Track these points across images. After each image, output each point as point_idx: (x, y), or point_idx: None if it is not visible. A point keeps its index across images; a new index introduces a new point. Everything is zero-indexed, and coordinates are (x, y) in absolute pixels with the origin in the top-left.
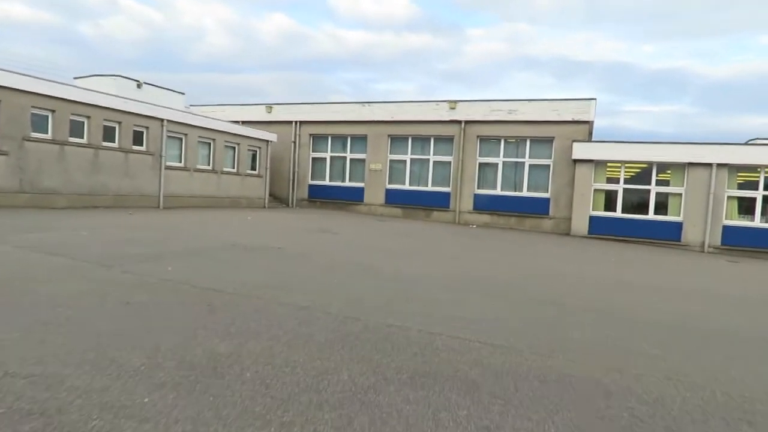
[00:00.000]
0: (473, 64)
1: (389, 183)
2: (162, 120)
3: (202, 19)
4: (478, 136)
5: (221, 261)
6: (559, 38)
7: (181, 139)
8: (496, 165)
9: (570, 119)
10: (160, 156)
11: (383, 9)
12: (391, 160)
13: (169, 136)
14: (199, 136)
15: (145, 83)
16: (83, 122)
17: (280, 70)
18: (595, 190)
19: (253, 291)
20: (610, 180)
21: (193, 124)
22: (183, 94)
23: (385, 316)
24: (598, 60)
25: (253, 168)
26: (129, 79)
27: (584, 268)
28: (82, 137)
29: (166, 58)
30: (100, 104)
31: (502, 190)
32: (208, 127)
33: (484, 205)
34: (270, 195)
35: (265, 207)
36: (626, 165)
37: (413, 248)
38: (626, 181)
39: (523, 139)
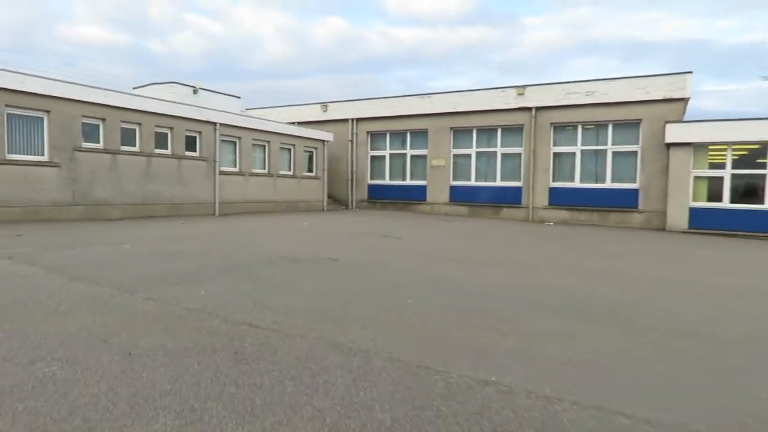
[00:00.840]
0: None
1: (453, 179)
2: (215, 124)
3: (259, 27)
4: (551, 123)
5: (265, 280)
6: (623, 19)
7: (234, 143)
8: (573, 154)
9: (661, 98)
10: (214, 161)
11: (436, 4)
12: (454, 155)
13: (222, 140)
14: (254, 139)
15: (201, 89)
16: (135, 129)
17: (335, 73)
18: (695, 177)
19: (296, 325)
20: (713, 165)
21: (246, 126)
22: (239, 98)
23: (475, 364)
24: (667, 39)
25: (310, 170)
26: (185, 85)
27: (706, 274)
28: (134, 145)
29: (225, 68)
30: (150, 110)
31: (581, 182)
32: (263, 129)
33: (561, 199)
34: (328, 197)
35: (323, 210)
36: (733, 147)
37: (488, 254)
38: (734, 165)
39: (603, 124)
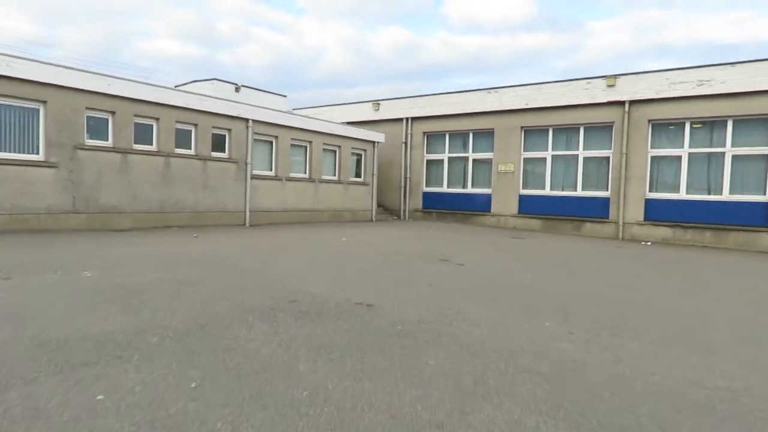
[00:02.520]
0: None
1: (524, 188)
2: (247, 120)
3: (322, 38)
4: (649, 121)
5: (236, 361)
6: (697, 21)
7: (270, 143)
8: (678, 158)
9: None
10: (246, 163)
11: (498, 11)
12: (525, 159)
13: (256, 140)
14: (293, 139)
15: (244, 86)
16: (151, 125)
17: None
18: None
19: None
20: None
21: (284, 124)
22: (285, 96)
23: None
24: (751, 40)
25: (358, 175)
26: (226, 82)
27: None
28: (150, 143)
29: (290, 78)
30: (170, 103)
31: (687, 192)
32: (303, 127)
33: (660, 213)
34: (378, 206)
35: (371, 220)
36: None
37: (612, 297)
38: None
39: (721, 121)
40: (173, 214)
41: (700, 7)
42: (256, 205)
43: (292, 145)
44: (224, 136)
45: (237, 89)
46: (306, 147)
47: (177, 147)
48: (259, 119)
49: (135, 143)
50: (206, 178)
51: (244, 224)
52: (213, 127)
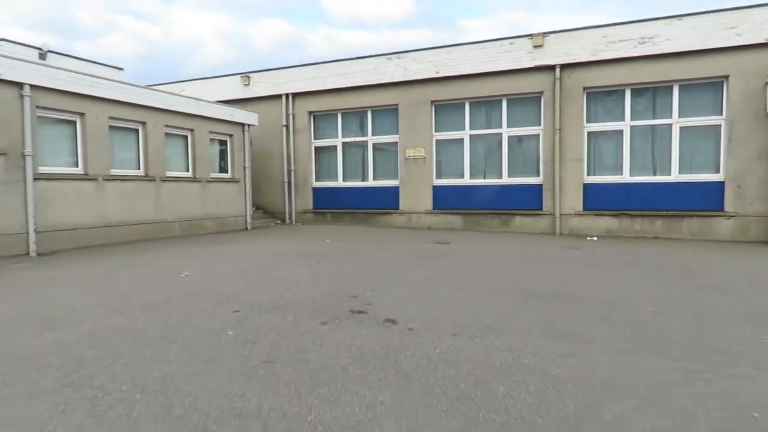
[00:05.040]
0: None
1: (438, 177)
2: (19, 86)
3: (198, 30)
4: (584, 89)
5: None
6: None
7: (73, 124)
8: (619, 134)
9: (763, 40)
10: (23, 155)
11: (378, 8)
12: (438, 141)
13: (43, 119)
14: (113, 118)
15: (53, 52)
16: None
17: None
18: None
19: None
20: None
21: (97, 95)
22: (121, 69)
23: None
24: None
25: (223, 169)
26: (24, 45)
27: None
28: None
29: (164, 70)
30: None
31: (632, 174)
32: (130, 101)
33: (602, 201)
34: (257, 208)
35: (246, 228)
36: None
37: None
38: None
39: (665, 87)
40: None
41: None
42: (50, 220)
43: (113, 127)
44: None
45: (42, 55)
46: (138, 130)
47: None
48: (47, 85)
49: None
50: None
51: (27, 253)
52: None
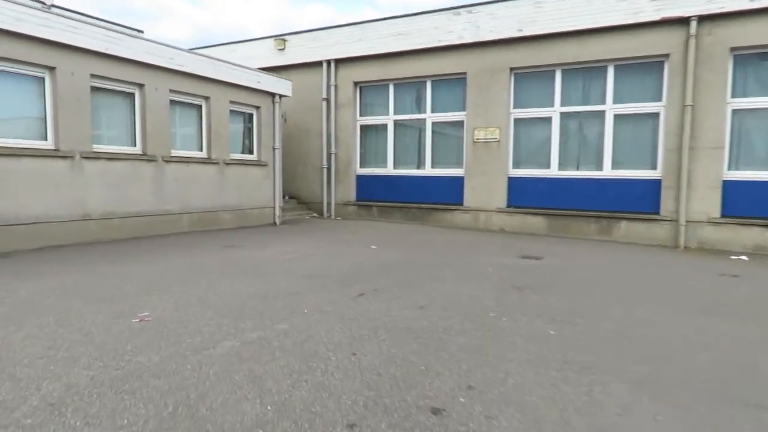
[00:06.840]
0: None
1: (515, 166)
2: None
3: (245, 16)
4: (732, 50)
5: None
6: None
7: (41, 81)
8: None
9: None
10: None
11: None
12: (517, 121)
13: (5, 73)
14: (96, 77)
15: (57, 6)
16: None
17: None
18: None
19: None
20: None
21: (76, 45)
22: (141, 31)
23: None
24: None
25: (248, 148)
26: None
27: None
28: None
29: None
30: None
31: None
32: (122, 55)
33: (748, 205)
34: (289, 197)
35: (274, 223)
36: None
37: None
38: None
39: None
40: None
41: None
42: (5, 212)
43: (97, 88)
44: None
45: (47, 6)
46: (134, 95)
47: None
48: (5, 27)
49: None
50: None
51: None
52: None
